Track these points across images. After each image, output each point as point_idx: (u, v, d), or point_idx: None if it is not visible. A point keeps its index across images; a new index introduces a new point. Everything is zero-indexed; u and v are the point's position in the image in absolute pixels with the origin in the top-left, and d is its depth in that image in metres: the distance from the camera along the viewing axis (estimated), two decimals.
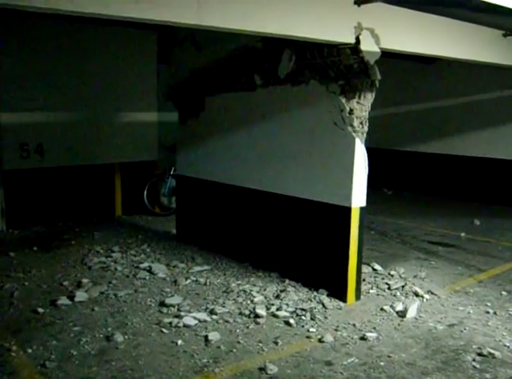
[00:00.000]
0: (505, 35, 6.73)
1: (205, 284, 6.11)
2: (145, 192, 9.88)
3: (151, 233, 8.53)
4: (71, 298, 5.60)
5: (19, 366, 4.26)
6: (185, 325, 4.97)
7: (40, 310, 5.31)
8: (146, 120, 9.87)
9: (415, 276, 6.47)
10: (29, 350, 4.49)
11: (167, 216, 9.64)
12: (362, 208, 5.52)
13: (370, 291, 5.93)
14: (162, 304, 5.49)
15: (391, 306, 5.45)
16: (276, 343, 4.65)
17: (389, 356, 4.45)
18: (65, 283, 6.12)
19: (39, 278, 6.32)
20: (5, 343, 4.63)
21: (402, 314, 5.26)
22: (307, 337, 4.79)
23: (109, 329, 4.91)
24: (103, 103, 9.31)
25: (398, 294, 5.85)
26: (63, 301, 5.52)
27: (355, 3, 4.84)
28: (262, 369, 4.19)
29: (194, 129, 7.66)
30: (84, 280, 6.14)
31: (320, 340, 4.72)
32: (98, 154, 9.40)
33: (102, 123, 9.36)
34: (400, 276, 6.41)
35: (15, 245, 7.75)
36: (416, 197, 12.13)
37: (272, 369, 4.18)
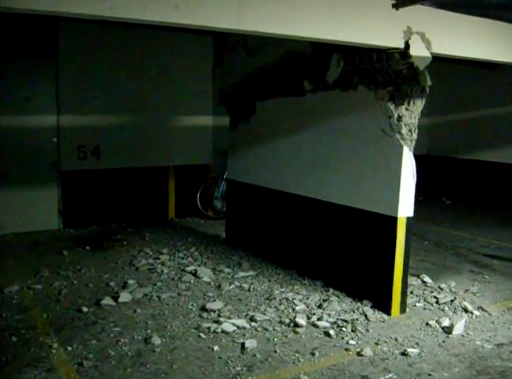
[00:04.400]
0: None
1: (249, 290, 6.07)
2: (199, 195, 9.94)
3: (201, 236, 8.57)
4: (115, 298, 5.68)
5: (58, 364, 4.34)
6: (223, 331, 4.94)
7: (84, 309, 5.41)
8: (201, 124, 9.94)
9: (466, 291, 6.20)
10: (69, 348, 4.58)
11: (219, 220, 9.66)
12: (409, 218, 5.34)
13: (417, 304, 5.72)
14: (203, 308, 5.48)
15: (437, 321, 5.23)
16: (313, 355, 4.55)
17: (429, 374, 4.26)
18: (112, 283, 6.22)
19: (87, 277, 6.45)
20: (47, 339, 4.74)
21: (448, 330, 5.04)
22: (346, 349, 4.67)
23: (148, 331, 4.94)
24: (159, 107, 9.45)
25: (446, 308, 5.62)
26: (107, 301, 5.61)
27: (393, 7, 4.67)
28: None
29: (244, 134, 7.66)
30: (130, 281, 6.22)
31: (359, 353, 4.58)
32: (153, 157, 9.53)
33: (157, 126, 9.49)
34: (450, 290, 6.16)
35: (69, 244, 7.96)
36: (476, 207, 11.65)
37: None
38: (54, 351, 4.54)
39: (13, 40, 8.12)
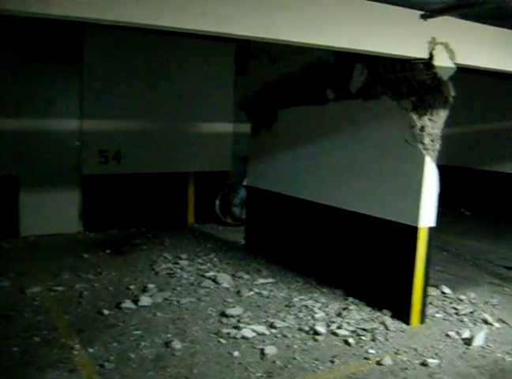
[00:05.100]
0: None
1: (268, 297, 6.10)
2: (218, 201, 9.99)
3: (220, 242, 8.62)
4: (135, 301, 5.74)
5: (79, 365, 4.39)
6: (243, 337, 4.97)
7: (105, 312, 5.47)
8: (221, 131, 10.02)
9: (486, 303, 6.17)
10: (91, 350, 4.63)
11: (237, 226, 9.69)
12: (430, 229, 5.33)
13: (437, 315, 5.71)
14: (222, 314, 5.52)
15: (457, 333, 5.22)
16: (333, 362, 4.56)
17: None
18: (132, 286, 6.28)
19: (108, 280, 6.52)
20: (69, 340, 4.81)
21: (468, 342, 5.02)
22: (365, 358, 4.67)
23: (168, 335, 4.98)
24: (180, 113, 9.54)
25: (466, 320, 5.60)
26: (128, 304, 5.67)
27: (422, 17, 4.71)
28: None
29: (266, 142, 7.70)
30: (150, 285, 6.27)
31: (378, 363, 4.58)
32: (173, 162, 9.62)
33: (178, 132, 9.58)
34: (470, 301, 6.14)
35: (89, 247, 8.04)
36: (496, 218, 11.59)
37: None
38: (75, 353, 4.59)
39: (38, 44, 8.26)
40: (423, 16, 4.72)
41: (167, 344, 4.78)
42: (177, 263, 7.22)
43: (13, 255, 7.52)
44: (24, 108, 8.32)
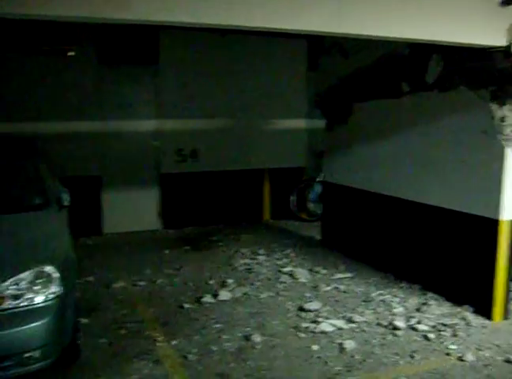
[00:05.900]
0: None
1: (346, 292, 6.11)
2: (293, 197, 10.04)
3: (296, 238, 8.68)
4: (215, 296, 5.90)
5: (163, 356, 4.58)
6: (321, 331, 5.01)
7: (187, 306, 5.66)
8: (295, 127, 10.05)
9: None
10: (174, 342, 4.81)
11: (313, 222, 9.70)
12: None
13: None
14: (301, 308, 5.58)
15: None
16: (413, 357, 4.53)
17: None
18: (211, 281, 6.44)
19: (188, 275, 6.71)
20: (153, 333, 5.02)
21: None
22: (447, 354, 4.60)
23: (248, 329, 5.10)
24: (255, 111, 9.65)
25: None
26: (208, 298, 5.83)
27: (500, 5, 4.57)
28: None
29: (341, 136, 7.69)
30: (229, 280, 6.42)
31: (460, 359, 4.50)
32: (248, 159, 9.74)
33: (253, 130, 9.70)
34: None
35: (169, 243, 8.30)
36: None
37: None
38: (159, 344, 4.79)
39: (117, 48, 8.59)
40: (502, 3, 4.59)
41: (247, 338, 4.90)
42: (254, 258, 7.34)
43: (97, 251, 7.86)
44: (104, 110, 8.66)
